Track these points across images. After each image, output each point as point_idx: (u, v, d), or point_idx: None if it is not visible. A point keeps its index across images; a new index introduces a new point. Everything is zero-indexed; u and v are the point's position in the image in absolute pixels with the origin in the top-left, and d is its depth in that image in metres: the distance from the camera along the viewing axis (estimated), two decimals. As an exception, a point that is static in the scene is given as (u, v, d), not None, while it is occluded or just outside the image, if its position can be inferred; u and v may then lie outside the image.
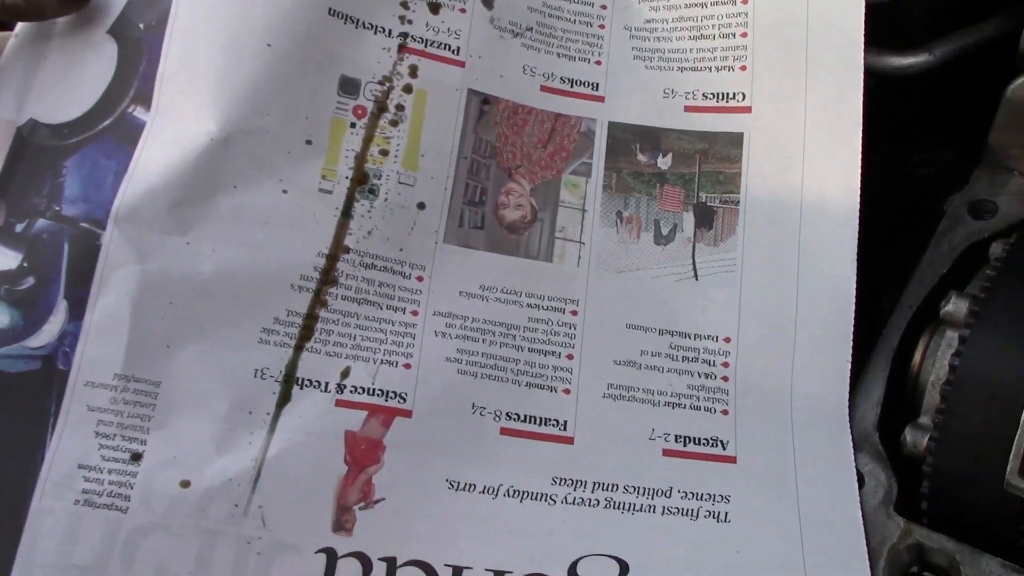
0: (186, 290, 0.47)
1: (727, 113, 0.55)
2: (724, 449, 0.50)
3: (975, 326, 0.41)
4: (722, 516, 0.49)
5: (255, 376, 0.48)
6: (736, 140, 0.54)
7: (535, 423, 0.50)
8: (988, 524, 0.41)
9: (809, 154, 0.53)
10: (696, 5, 0.57)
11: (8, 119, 0.50)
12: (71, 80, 0.50)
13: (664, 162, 0.55)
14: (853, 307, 0.51)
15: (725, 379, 0.51)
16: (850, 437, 0.49)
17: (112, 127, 0.49)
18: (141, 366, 0.46)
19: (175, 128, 0.49)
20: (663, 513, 0.49)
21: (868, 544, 0.45)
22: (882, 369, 0.47)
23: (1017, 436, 0.38)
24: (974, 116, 0.50)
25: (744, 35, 0.56)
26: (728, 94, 0.55)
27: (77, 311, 0.46)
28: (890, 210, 0.50)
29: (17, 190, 0.48)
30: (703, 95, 0.55)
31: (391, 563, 0.46)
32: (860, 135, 0.52)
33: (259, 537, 0.45)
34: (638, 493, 0.50)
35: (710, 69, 0.56)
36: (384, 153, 0.52)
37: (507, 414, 0.50)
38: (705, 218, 0.54)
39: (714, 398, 0.51)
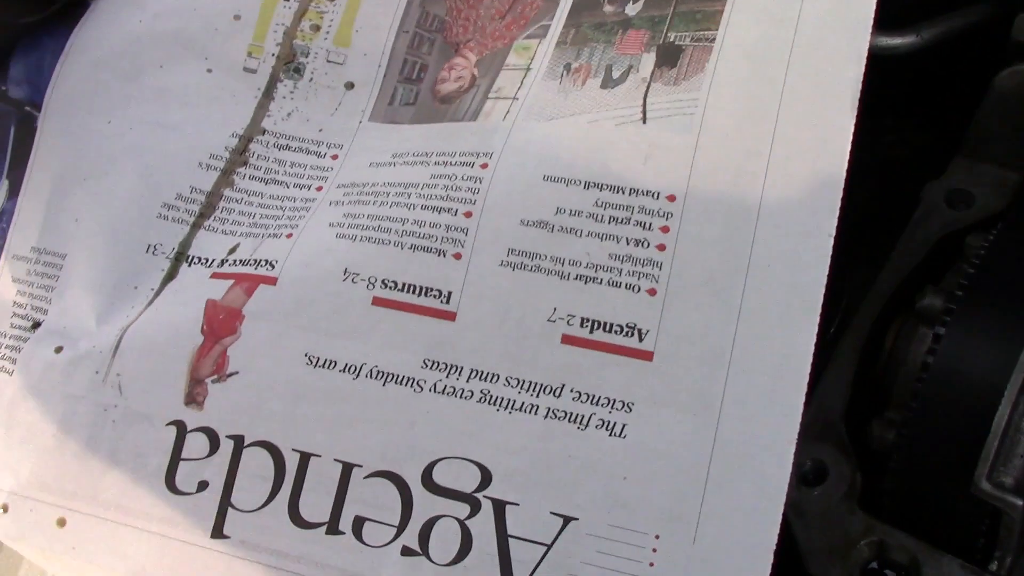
0: (99, 169, 0.47)
1: None
2: (640, 340, 0.37)
3: (951, 324, 0.39)
4: (617, 429, 0.37)
5: (147, 251, 0.46)
6: None
7: (413, 292, 0.41)
8: (951, 524, 0.39)
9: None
10: None
11: None
12: None
13: (633, 7, 0.44)
14: (845, 169, 0.37)
15: (661, 247, 0.38)
16: (812, 348, 0.36)
17: (61, 10, 0.51)
18: (52, 238, 0.47)
19: (109, 10, 0.50)
20: (547, 416, 0.38)
21: (828, 539, 0.38)
22: (850, 357, 0.43)
23: (988, 440, 0.36)
24: (957, 101, 0.47)
25: None
26: None
27: (15, 189, 0.48)
28: (862, 193, 0.41)
29: None
30: None
31: (238, 442, 0.41)
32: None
33: (115, 405, 0.43)
34: (521, 388, 0.38)
35: None
36: (315, 28, 0.49)
37: (383, 281, 0.41)
38: (669, 57, 0.42)
39: (641, 272, 0.38)
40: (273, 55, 0.49)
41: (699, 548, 0.34)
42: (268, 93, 0.48)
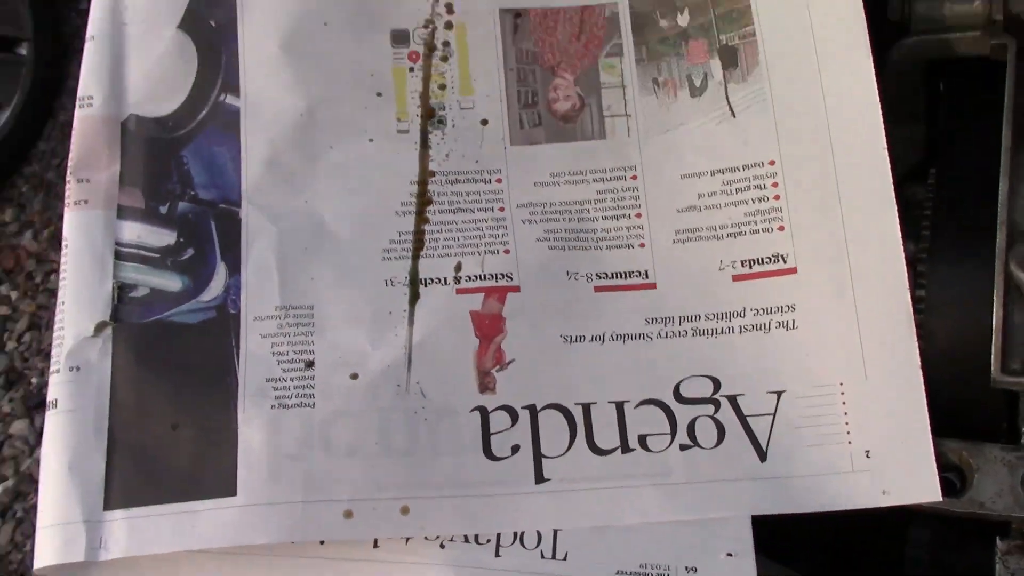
0: (314, 237, 0.58)
1: None
2: (785, 262, 0.57)
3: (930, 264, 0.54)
4: (790, 324, 0.56)
5: (386, 285, 0.58)
6: None
7: (621, 277, 0.58)
8: (983, 419, 0.51)
9: None
10: None
11: (110, 115, 0.59)
12: (157, 75, 0.60)
13: (683, 19, 0.61)
14: (877, 97, 0.56)
15: (776, 198, 0.57)
16: (897, 223, 0.54)
17: (211, 116, 0.60)
18: (294, 296, 0.57)
19: (267, 110, 0.59)
20: (740, 331, 0.57)
21: None
22: None
23: (992, 337, 0.49)
24: None
25: None
26: None
27: (234, 268, 0.57)
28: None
29: (145, 178, 0.59)
30: None
31: (532, 409, 0.56)
32: None
33: (423, 407, 0.55)
34: (717, 318, 0.57)
35: None
36: (442, 87, 0.61)
37: (596, 274, 0.58)
38: (730, 58, 0.60)
39: (770, 218, 0.57)
40: (417, 116, 0.61)
41: (870, 384, 0.55)
42: (424, 144, 0.60)
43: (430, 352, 0.57)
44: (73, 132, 0.59)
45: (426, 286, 0.58)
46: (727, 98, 0.59)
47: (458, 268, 0.58)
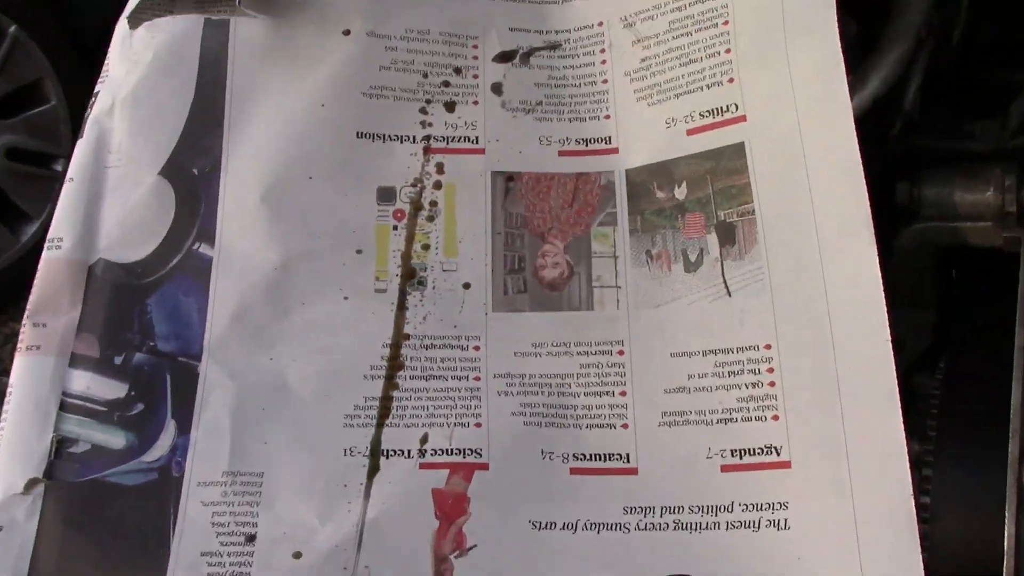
0: (275, 397, 0.55)
1: (725, 126, 0.58)
2: (778, 455, 0.52)
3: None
4: (782, 524, 0.51)
5: (345, 455, 0.54)
6: (738, 151, 0.57)
7: (600, 460, 0.54)
8: None
9: (808, 147, 0.55)
10: (682, 35, 0.61)
11: (78, 259, 0.57)
12: (132, 221, 0.58)
13: (680, 192, 0.59)
14: (881, 287, 0.52)
15: (772, 384, 0.53)
16: (901, 421, 0.50)
17: (182, 264, 0.57)
18: (244, 462, 0.53)
19: (240, 262, 0.57)
20: (727, 528, 0.52)
21: None
22: None
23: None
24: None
25: (728, 52, 0.59)
26: (722, 108, 0.58)
27: (184, 427, 0.54)
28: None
29: (105, 326, 0.56)
30: (700, 114, 0.59)
31: None
32: (851, 115, 0.54)
33: None
34: (702, 512, 0.52)
35: (702, 88, 0.59)
36: (426, 247, 0.59)
37: (574, 455, 0.54)
38: (727, 235, 0.57)
39: (763, 406, 0.53)
40: (397, 275, 0.58)
41: None
42: (401, 306, 0.58)
43: (384, 532, 0.52)
44: (37, 274, 0.57)
45: (387, 458, 0.54)
46: (723, 275, 0.56)
47: (424, 440, 0.55)
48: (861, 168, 0.54)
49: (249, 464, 0.53)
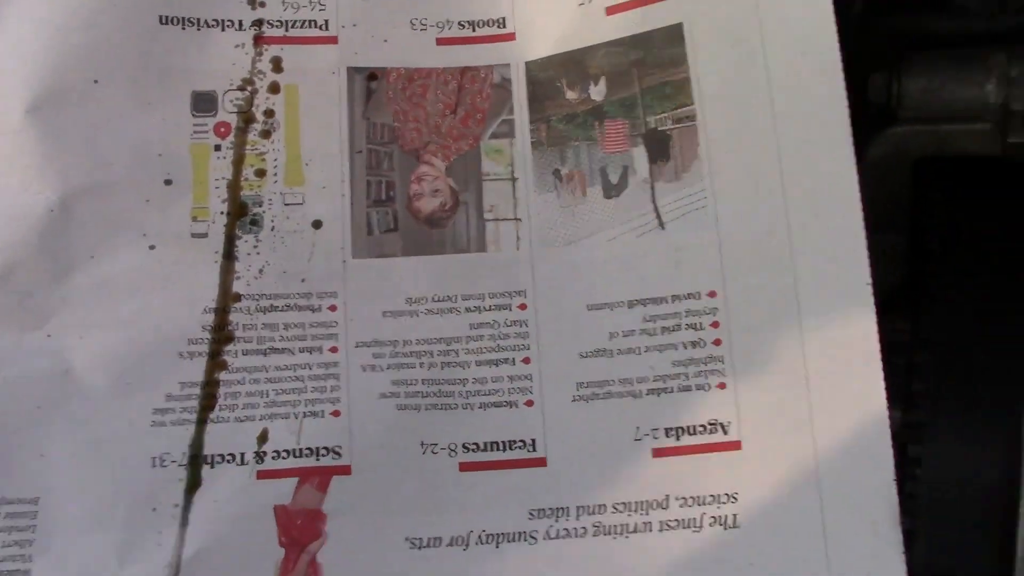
0: (54, 390, 0.41)
1: (657, 2, 0.44)
2: (726, 433, 0.41)
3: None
4: (730, 521, 0.40)
5: (153, 466, 0.41)
6: (675, 34, 0.43)
7: (498, 449, 0.42)
8: None
9: (768, 28, 0.42)
10: None
11: None
12: None
13: (598, 91, 0.45)
14: (860, 212, 0.40)
15: (717, 342, 0.41)
16: (882, 387, 0.39)
17: None
18: (11, 485, 0.40)
19: (3, 205, 0.42)
20: (661, 530, 0.41)
21: None
22: None
23: None
24: None
25: None
26: None
27: None
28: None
29: None
30: None
31: None
32: None
33: None
34: (630, 511, 0.41)
35: None
36: (260, 174, 0.44)
37: (463, 446, 0.42)
38: (659, 148, 0.43)
39: (707, 370, 0.41)
40: (222, 213, 0.43)
41: None
42: (229, 255, 0.43)
43: (209, 569, 0.40)
44: None
45: (212, 467, 0.41)
46: (654, 202, 0.43)
47: (263, 439, 0.42)
48: (838, 55, 0.41)
49: (18, 487, 0.40)
